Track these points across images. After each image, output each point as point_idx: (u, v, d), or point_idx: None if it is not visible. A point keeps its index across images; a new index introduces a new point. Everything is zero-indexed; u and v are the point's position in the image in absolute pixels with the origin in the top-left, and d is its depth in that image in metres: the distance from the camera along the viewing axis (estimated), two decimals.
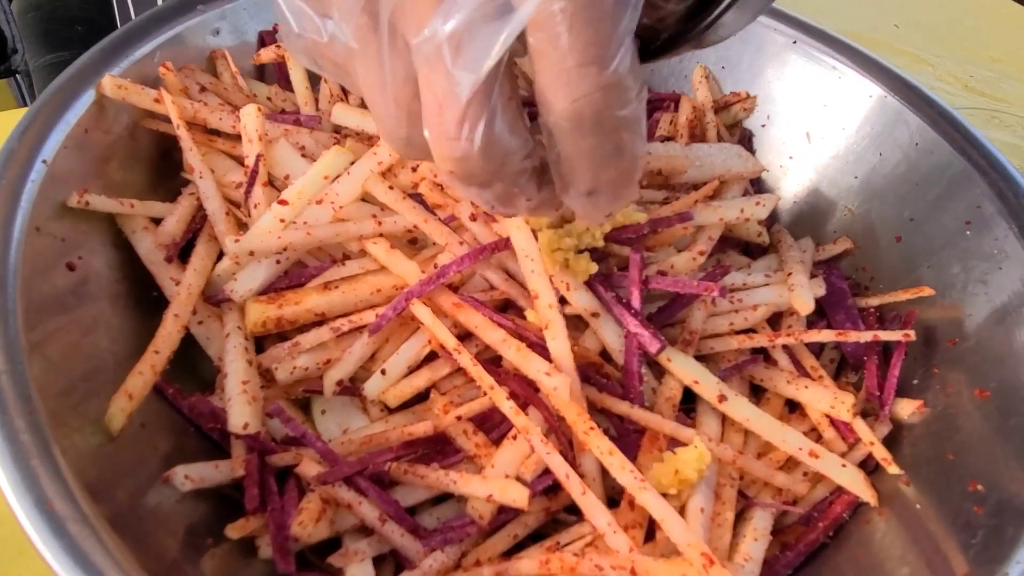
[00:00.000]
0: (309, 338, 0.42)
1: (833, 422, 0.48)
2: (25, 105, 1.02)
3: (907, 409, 0.49)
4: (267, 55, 0.55)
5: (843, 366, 0.55)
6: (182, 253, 0.47)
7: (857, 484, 0.44)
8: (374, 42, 0.29)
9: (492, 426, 0.43)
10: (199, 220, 0.47)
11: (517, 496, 0.39)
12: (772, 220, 0.60)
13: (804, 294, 0.51)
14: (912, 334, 0.50)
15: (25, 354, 0.35)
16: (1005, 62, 0.94)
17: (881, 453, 0.46)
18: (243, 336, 0.42)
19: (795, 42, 0.64)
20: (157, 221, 0.46)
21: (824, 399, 0.47)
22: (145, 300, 0.46)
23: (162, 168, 0.48)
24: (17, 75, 1.00)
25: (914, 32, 0.97)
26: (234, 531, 0.39)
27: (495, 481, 0.40)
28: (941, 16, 1.02)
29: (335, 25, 0.30)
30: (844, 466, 0.45)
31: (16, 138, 0.43)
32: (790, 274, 0.52)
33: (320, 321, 0.44)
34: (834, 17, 0.67)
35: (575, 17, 0.26)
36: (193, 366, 0.46)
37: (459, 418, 0.42)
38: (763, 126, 0.66)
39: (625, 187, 0.33)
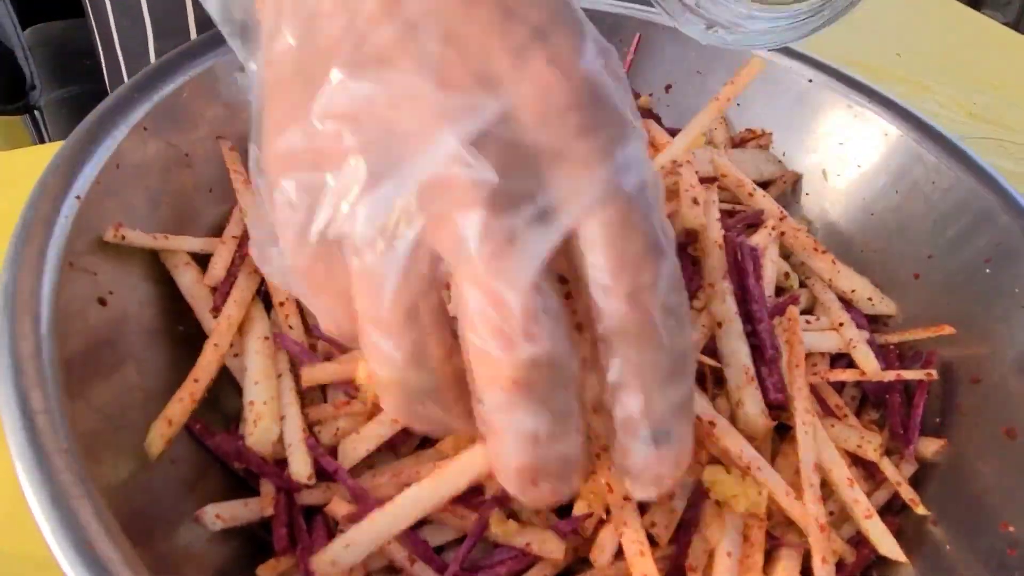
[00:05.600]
0: (355, 406, 0.42)
1: (857, 462, 0.48)
2: (41, 141, 1.03)
3: (931, 448, 0.49)
4: None
5: (863, 403, 0.55)
6: None
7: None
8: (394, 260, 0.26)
9: None
10: (239, 258, 0.47)
11: (554, 549, 0.40)
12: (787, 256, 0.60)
13: (868, 354, 0.50)
14: (934, 373, 0.50)
15: (62, 391, 0.35)
16: (1008, 89, 0.95)
17: (908, 493, 0.46)
18: (292, 380, 0.42)
19: (811, 80, 0.65)
20: (194, 254, 0.47)
21: (851, 438, 0.47)
22: (172, 335, 0.46)
23: (195, 202, 0.48)
24: (35, 111, 1.01)
25: (916, 60, 0.98)
26: (265, 572, 0.38)
27: (532, 531, 0.40)
28: (943, 44, 1.03)
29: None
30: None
31: (50, 174, 0.43)
32: (841, 324, 0.52)
33: None
34: (835, 46, 0.68)
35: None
36: (214, 401, 0.46)
37: None
38: (778, 163, 0.66)
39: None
